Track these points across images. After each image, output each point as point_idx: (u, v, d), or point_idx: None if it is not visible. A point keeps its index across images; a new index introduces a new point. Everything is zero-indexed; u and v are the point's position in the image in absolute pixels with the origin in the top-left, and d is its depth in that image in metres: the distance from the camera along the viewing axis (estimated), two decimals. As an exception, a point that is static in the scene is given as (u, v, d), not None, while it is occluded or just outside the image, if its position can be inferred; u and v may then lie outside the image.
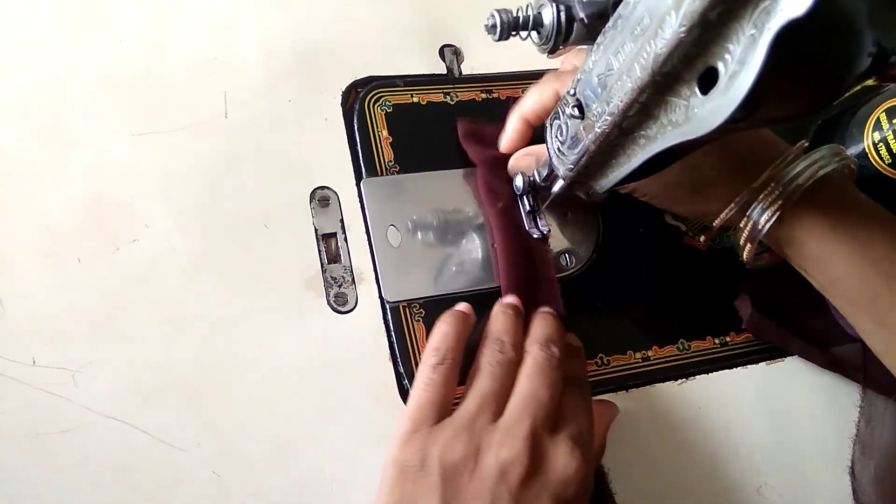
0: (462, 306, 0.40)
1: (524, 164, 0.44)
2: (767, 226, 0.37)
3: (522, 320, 0.40)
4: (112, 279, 0.38)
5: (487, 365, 0.36)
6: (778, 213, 0.37)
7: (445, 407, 0.35)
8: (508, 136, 0.44)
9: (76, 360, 0.36)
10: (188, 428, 0.37)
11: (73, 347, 0.36)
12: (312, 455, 0.38)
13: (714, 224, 0.40)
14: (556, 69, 0.44)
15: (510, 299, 0.41)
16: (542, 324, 0.39)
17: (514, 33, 0.35)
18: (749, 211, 0.38)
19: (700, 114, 0.28)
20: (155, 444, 0.36)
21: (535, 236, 0.43)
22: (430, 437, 0.33)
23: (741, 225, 0.39)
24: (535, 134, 0.44)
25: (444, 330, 0.38)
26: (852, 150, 0.51)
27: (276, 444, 0.37)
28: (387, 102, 0.46)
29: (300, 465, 0.37)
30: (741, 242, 0.39)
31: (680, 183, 0.40)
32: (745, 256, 0.40)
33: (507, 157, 0.45)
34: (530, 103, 0.43)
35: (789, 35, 0.24)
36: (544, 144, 0.42)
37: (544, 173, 0.41)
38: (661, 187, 0.40)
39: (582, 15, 0.33)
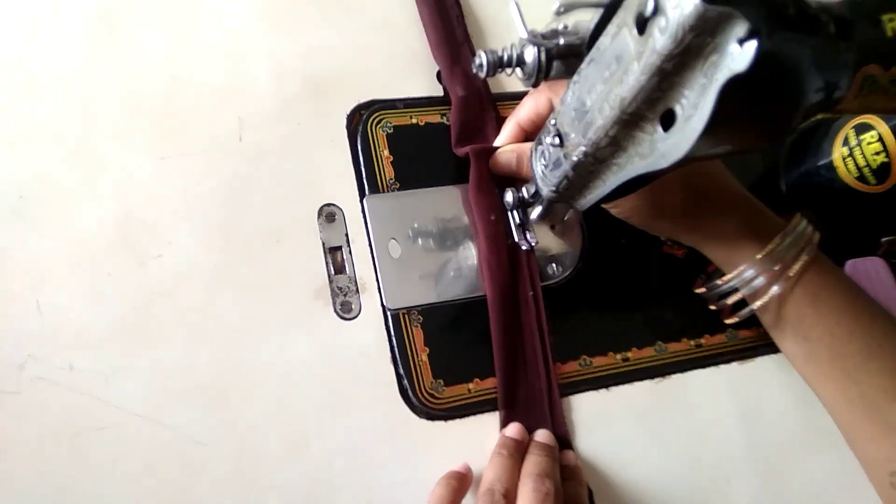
0: (460, 467, 0.43)
1: (504, 159, 0.47)
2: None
3: (521, 454, 0.42)
4: (140, 291, 0.42)
5: None
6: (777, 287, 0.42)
7: None
8: (502, 138, 0.48)
9: (109, 364, 0.40)
10: (210, 425, 0.40)
11: (106, 353, 0.40)
12: (322, 448, 0.41)
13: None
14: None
15: (510, 432, 0.43)
16: (536, 456, 0.41)
17: (500, 70, 0.38)
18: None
19: (662, 148, 0.31)
20: (181, 440, 0.40)
21: (523, 248, 0.47)
22: None
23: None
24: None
25: (438, 493, 0.40)
26: (822, 163, 0.54)
27: (290, 439, 0.41)
28: (388, 124, 0.50)
29: (311, 457, 0.41)
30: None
31: (643, 208, 0.44)
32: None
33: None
34: (525, 110, 0.47)
35: (736, 84, 0.27)
36: (528, 143, 0.47)
37: (532, 190, 0.45)
38: (631, 211, 0.44)
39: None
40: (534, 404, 0.45)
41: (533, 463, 0.41)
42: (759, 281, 0.42)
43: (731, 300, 0.44)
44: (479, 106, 0.51)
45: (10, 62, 0.45)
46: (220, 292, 0.43)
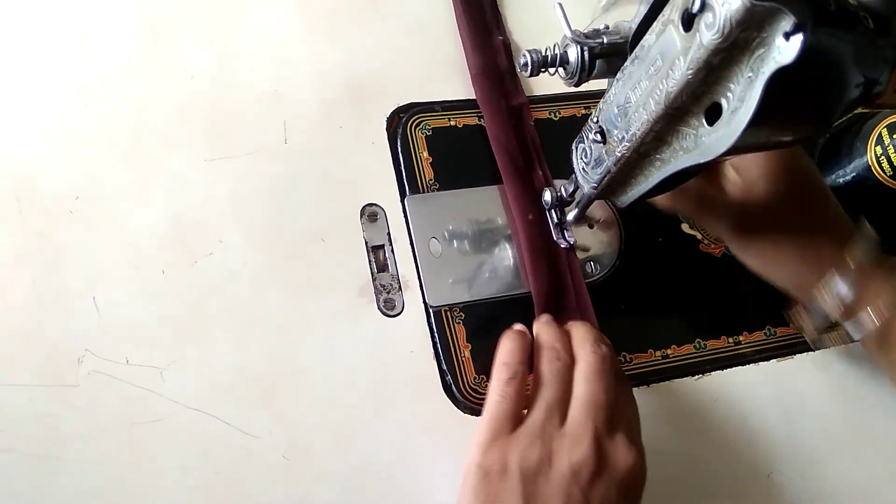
0: (518, 326, 0.44)
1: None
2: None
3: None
4: (192, 288, 0.43)
5: (548, 373, 0.40)
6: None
7: (518, 416, 0.39)
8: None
9: (163, 359, 0.41)
10: (261, 418, 0.41)
11: (160, 348, 0.41)
12: (367, 442, 0.42)
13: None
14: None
15: (544, 318, 0.44)
16: (583, 327, 0.43)
17: (543, 70, 0.39)
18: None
19: (707, 142, 0.32)
20: (232, 432, 0.41)
21: (562, 246, 0.48)
22: (509, 444, 0.37)
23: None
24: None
25: (510, 347, 0.41)
26: (856, 162, 0.55)
27: (337, 432, 0.42)
28: (427, 126, 0.51)
29: (357, 450, 0.42)
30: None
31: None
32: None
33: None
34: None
35: (781, 77, 0.28)
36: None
37: (570, 189, 0.46)
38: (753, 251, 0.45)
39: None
40: (563, 303, 0.47)
41: (582, 332, 0.42)
42: (851, 294, 0.40)
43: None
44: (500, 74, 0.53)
45: (65, 72, 0.47)
46: (267, 290, 0.44)
